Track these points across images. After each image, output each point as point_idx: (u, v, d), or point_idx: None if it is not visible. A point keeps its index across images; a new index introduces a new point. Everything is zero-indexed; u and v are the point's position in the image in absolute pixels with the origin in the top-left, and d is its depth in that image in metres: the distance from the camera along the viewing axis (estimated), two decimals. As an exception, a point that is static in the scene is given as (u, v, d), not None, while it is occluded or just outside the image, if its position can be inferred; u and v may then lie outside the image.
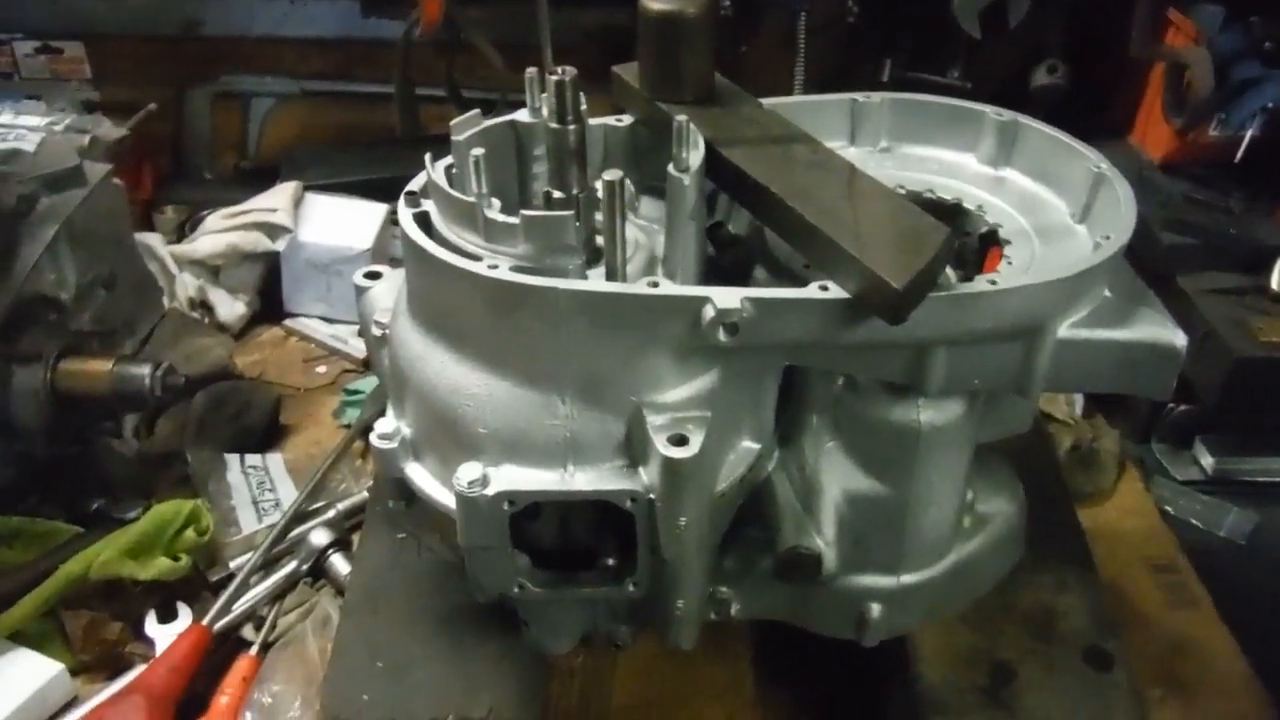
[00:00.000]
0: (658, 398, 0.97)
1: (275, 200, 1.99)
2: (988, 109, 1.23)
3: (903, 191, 1.20)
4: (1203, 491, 1.75)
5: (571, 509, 1.05)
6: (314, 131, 2.47)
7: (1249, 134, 1.78)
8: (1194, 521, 1.70)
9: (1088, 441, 1.71)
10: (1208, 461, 1.78)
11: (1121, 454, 1.76)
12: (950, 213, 1.18)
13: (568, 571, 1.09)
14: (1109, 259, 0.99)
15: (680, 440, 0.94)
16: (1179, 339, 0.99)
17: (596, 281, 0.96)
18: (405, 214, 1.03)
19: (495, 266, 0.94)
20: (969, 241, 1.21)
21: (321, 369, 1.94)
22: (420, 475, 1.08)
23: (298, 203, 2.03)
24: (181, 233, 2.18)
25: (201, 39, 2.39)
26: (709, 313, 0.91)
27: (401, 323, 1.08)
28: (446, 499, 1.04)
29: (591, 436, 0.98)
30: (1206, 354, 1.67)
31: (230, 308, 1.97)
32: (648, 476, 0.97)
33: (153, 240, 1.98)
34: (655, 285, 0.94)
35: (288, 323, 2.04)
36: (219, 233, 1.95)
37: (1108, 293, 1.03)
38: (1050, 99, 1.99)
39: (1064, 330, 0.99)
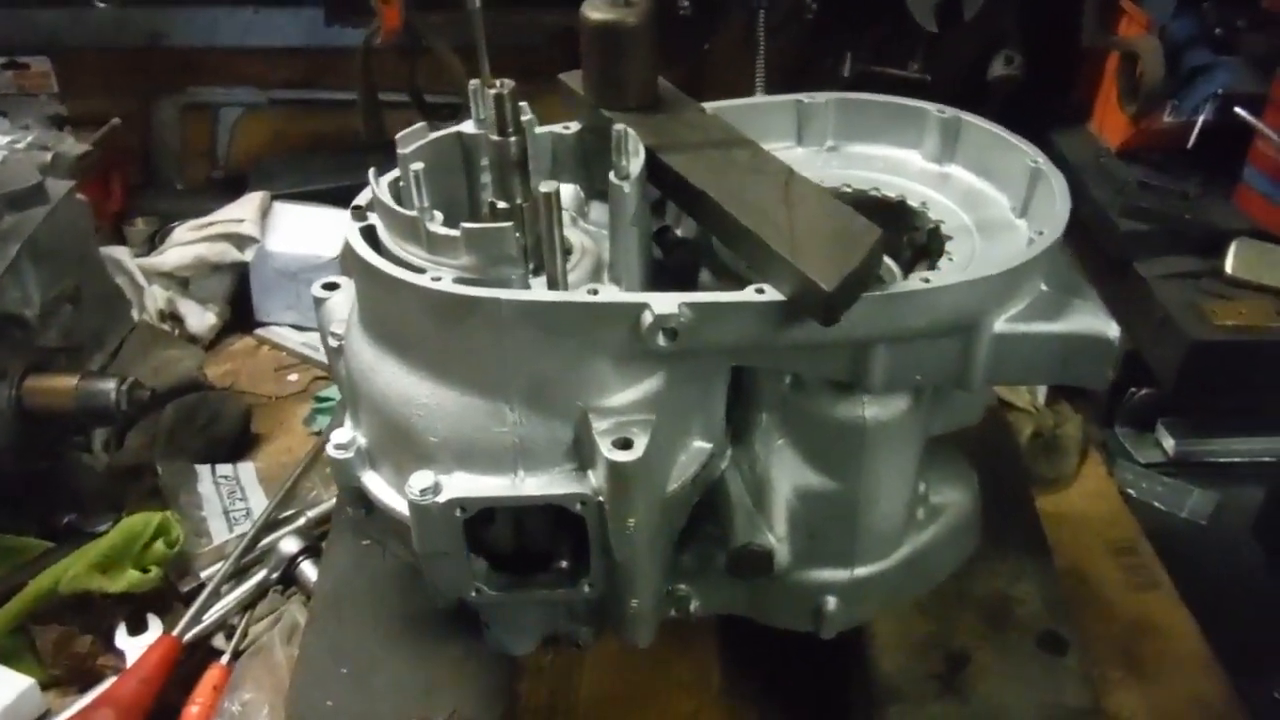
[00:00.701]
0: (603, 402, 0.99)
1: (242, 211, 2.00)
2: (931, 106, 1.25)
3: (848, 190, 1.22)
4: (1165, 474, 1.78)
5: (525, 513, 1.06)
6: (283, 140, 2.48)
7: (1201, 119, 1.80)
8: (1156, 504, 1.73)
9: (1050, 428, 1.74)
10: (1169, 444, 1.81)
11: (1084, 439, 1.78)
12: (894, 210, 1.20)
13: (524, 574, 1.11)
14: (1041, 254, 1.00)
15: (625, 444, 0.95)
16: (1111, 330, 1.01)
17: (537, 291, 0.97)
18: (351, 228, 1.05)
19: (439, 279, 0.96)
20: (915, 237, 1.23)
21: (293, 377, 1.95)
22: (376, 484, 1.10)
23: (265, 213, 2.04)
24: (152, 244, 2.19)
25: (167, 50, 2.40)
26: (648, 318, 0.93)
27: (354, 334, 1.09)
28: (402, 507, 1.06)
29: (539, 442, 1.00)
30: (1163, 338, 1.69)
31: (201, 318, 1.98)
32: (596, 480, 0.99)
33: (121, 253, 1.99)
34: (594, 293, 0.95)
35: (259, 331, 2.06)
36: (187, 244, 1.96)
37: (1044, 286, 1.05)
38: (1008, 89, 2.01)
39: (1000, 325, 1.01)
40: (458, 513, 1.00)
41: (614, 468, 0.95)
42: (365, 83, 2.04)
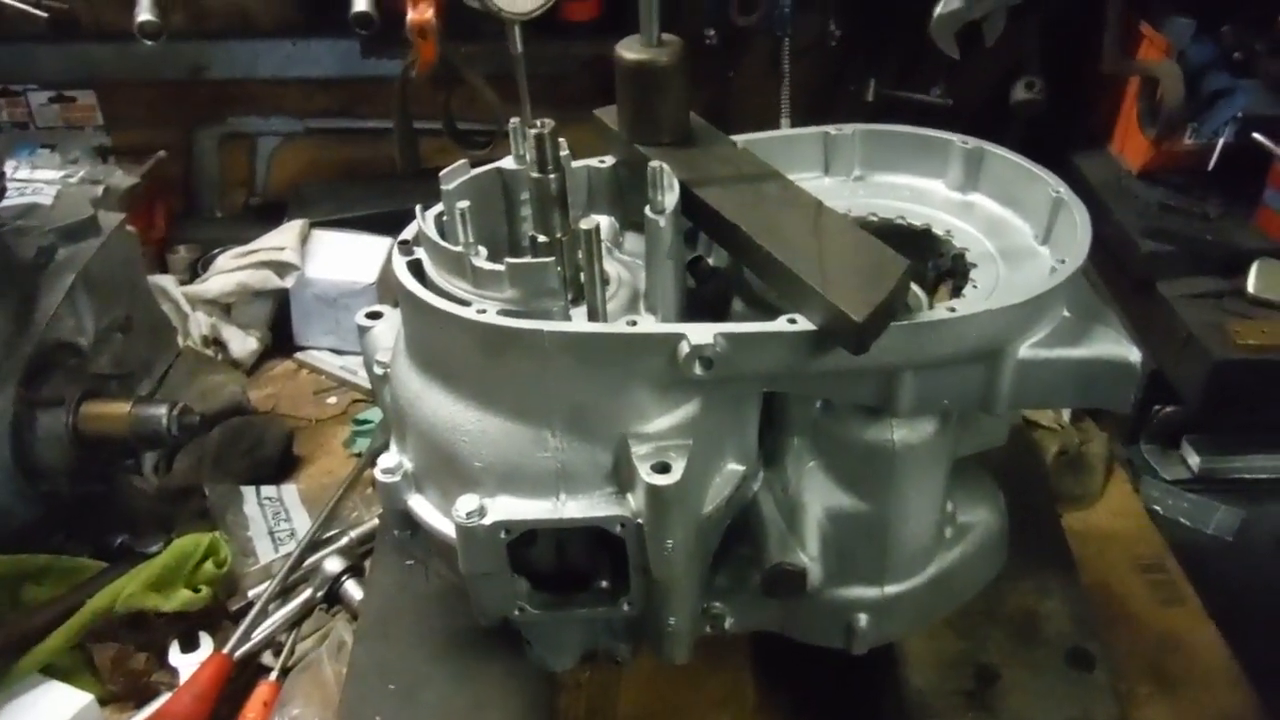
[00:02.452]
0: (642, 428, 1.03)
1: (282, 239, 2.06)
2: (954, 137, 1.29)
3: (875, 219, 1.26)
4: (1190, 490, 1.79)
5: (566, 534, 1.11)
6: (319, 168, 2.55)
7: (1221, 142, 1.82)
8: (1182, 520, 1.75)
9: (1075, 446, 1.76)
10: (1194, 461, 1.82)
11: (1110, 457, 1.80)
12: (920, 238, 1.24)
13: (565, 593, 1.15)
14: (1063, 283, 1.04)
15: (663, 468, 1.00)
16: (1133, 355, 1.04)
17: (578, 322, 1.02)
18: (399, 262, 1.10)
19: (484, 311, 1.00)
20: (941, 263, 1.26)
21: (332, 400, 2.01)
22: (422, 506, 1.14)
23: (304, 240, 2.10)
24: (194, 271, 2.25)
25: (208, 82, 2.47)
26: (684, 349, 0.97)
27: (400, 363, 1.14)
28: (447, 529, 1.10)
29: (581, 467, 1.04)
30: (1187, 358, 1.72)
31: (242, 344, 2.04)
32: (635, 502, 1.03)
33: (166, 282, 2.05)
34: (633, 324, 1.00)
35: (298, 356, 2.11)
36: (229, 272, 2.02)
37: (1066, 312, 1.08)
38: (1030, 113, 2.04)
39: (1024, 351, 1.04)
40: (502, 534, 1.05)
41: (653, 491, 0.99)
42: (402, 114, 2.10)
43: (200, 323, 2.01)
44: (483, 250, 1.05)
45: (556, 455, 1.04)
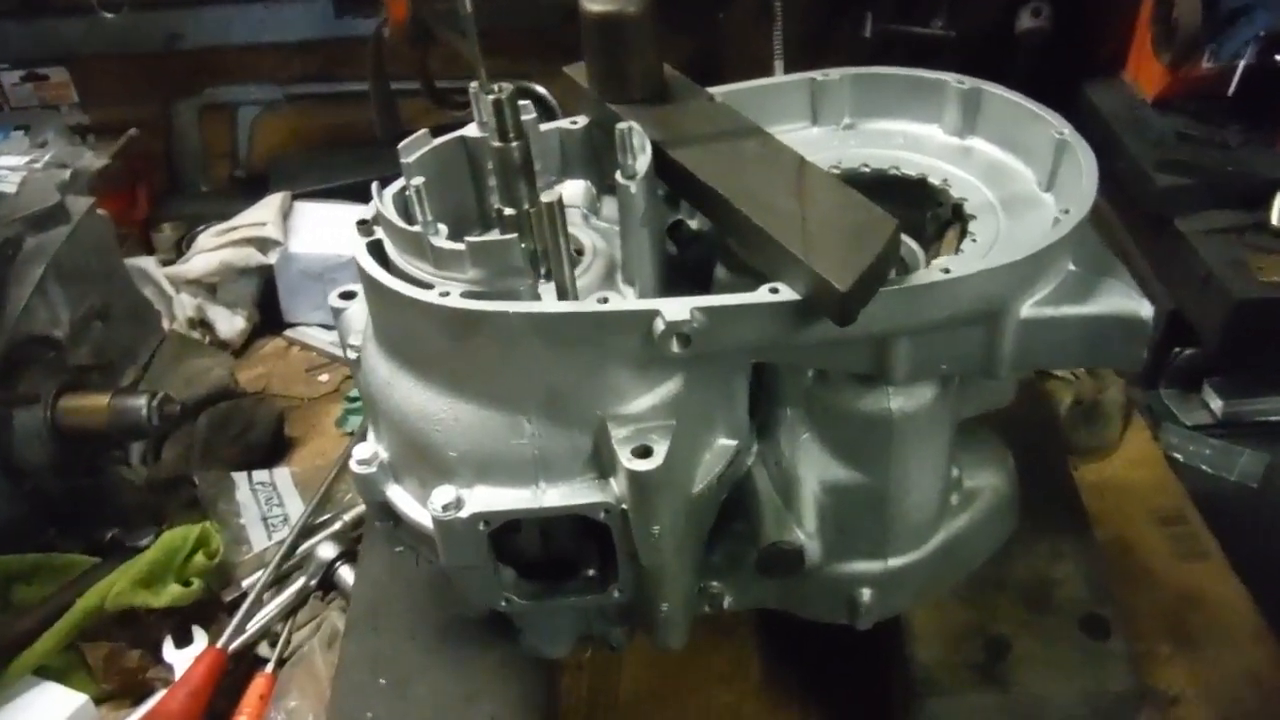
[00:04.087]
0: (621, 410, 0.97)
1: (263, 214, 2.00)
2: (949, 77, 1.20)
3: (867, 169, 1.19)
4: (1212, 436, 1.72)
5: (551, 522, 1.06)
6: (303, 135, 2.48)
7: (1242, 64, 1.72)
8: (1204, 467, 1.68)
9: (1090, 395, 1.69)
10: (1216, 405, 1.75)
11: (1127, 404, 1.73)
12: (916, 188, 1.17)
13: (554, 581, 1.10)
14: (1067, 235, 0.96)
15: (645, 452, 0.94)
16: (1144, 310, 0.97)
17: (546, 302, 0.96)
18: (358, 244, 1.04)
19: (446, 294, 0.94)
20: (940, 213, 1.19)
21: (324, 377, 1.96)
22: (401, 497, 1.09)
23: (286, 213, 2.04)
24: (179, 249, 2.20)
25: (183, 52, 2.40)
26: (659, 325, 0.91)
27: (369, 349, 1.09)
28: (428, 520, 1.05)
29: (559, 453, 0.99)
30: (1207, 297, 1.64)
31: (230, 324, 1.99)
32: (618, 488, 0.98)
33: (147, 264, 2.00)
34: (605, 301, 0.93)
35: (288, 333, 2.07)
36: (211, 251, 1.97)
37: (1072, 266, 1.01)
38: (1037, 42, 1.94)
39: (1026, 310, 0.98)
40: (481, 526, 1.00)
41: (635, 477, 0.93)
42: (377, 78, 2.03)
43: (185, 304, 1.96)
44: (443, 229, 0.99)
45: (533, 441, 0.98)
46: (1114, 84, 1.99)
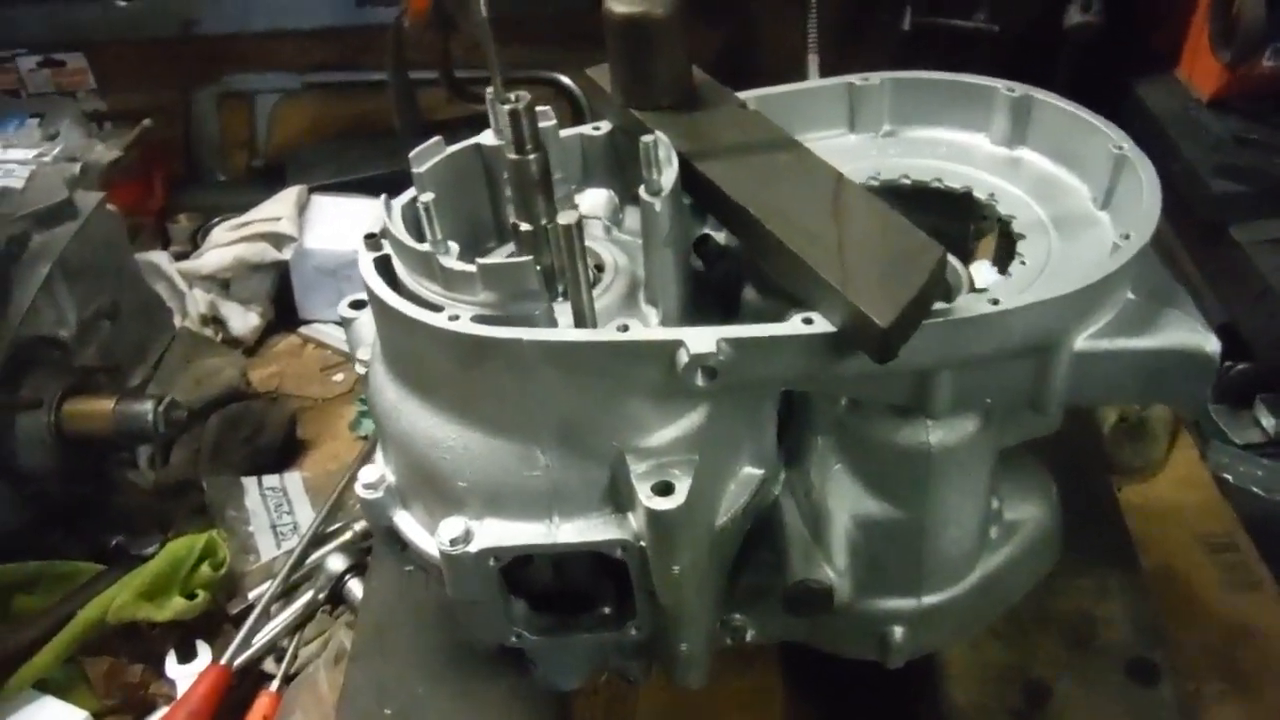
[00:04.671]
0: (640, 442, 0.91)
1: (279, 208, 1.95)
2: (998, 84, 1.12)
3: (908, 181, 1.12)
4: (1265, 456, 1.64)
5: (564, 556, 1.00)
6: (322, 124, 2.42)
7: (1306, 65, 1.63)
8: (1255, 489, 1.60)
9: (1135, 411, 1.61)
10: (1269, 422, 1.67)
11: (1174, 421, 1.65)
12: (959, 202, 1.10)
13: (567, 616, 1.05)
14: (1127, 263, 0.89)
15: (665, 489, 0.88)
16: (1210, 344, 0.89)
17: (562, 330, 0.89)
18: (365, 259, 0.98)
19: (456, 317, 0.88)
20: (984, 227, 1.12)
21: (338, 377, 1.91)
22: (409, 524, 1.04)
23: (302, 208, 1.99)
24: (195, 241, 2.15)
25: (200, 38, 2.34)
26: (683, 358, 0.84)
27: (376, 368, 1.03)
28: (435, 550, 1.00)
29: (574, 486, 0.93)
30: (1263, 310, 1.56)
31: (243, 320, 1.94)
32: (636, 524, 0.92)
33: (160, 259, 1.96)
34: (625, 329, 0.87)
35: (303, 330, 2.02)
36: (225, 246, 1.92)
37: (1131, 294, 0.93)
38: (1085, 38, 1.85)
39: (1081, 343, 0.90)
40: (491, 562, 0.94)
41: (654, 516, 0.87)
42: (396, 69, 1.96)
43: (198, 300, 1.91)
44: (454, 247, 0.92)
45: (547, 474, 0.92)
46: (1166, 82, 1.89)
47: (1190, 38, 1.85)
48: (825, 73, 1.86)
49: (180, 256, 2.06)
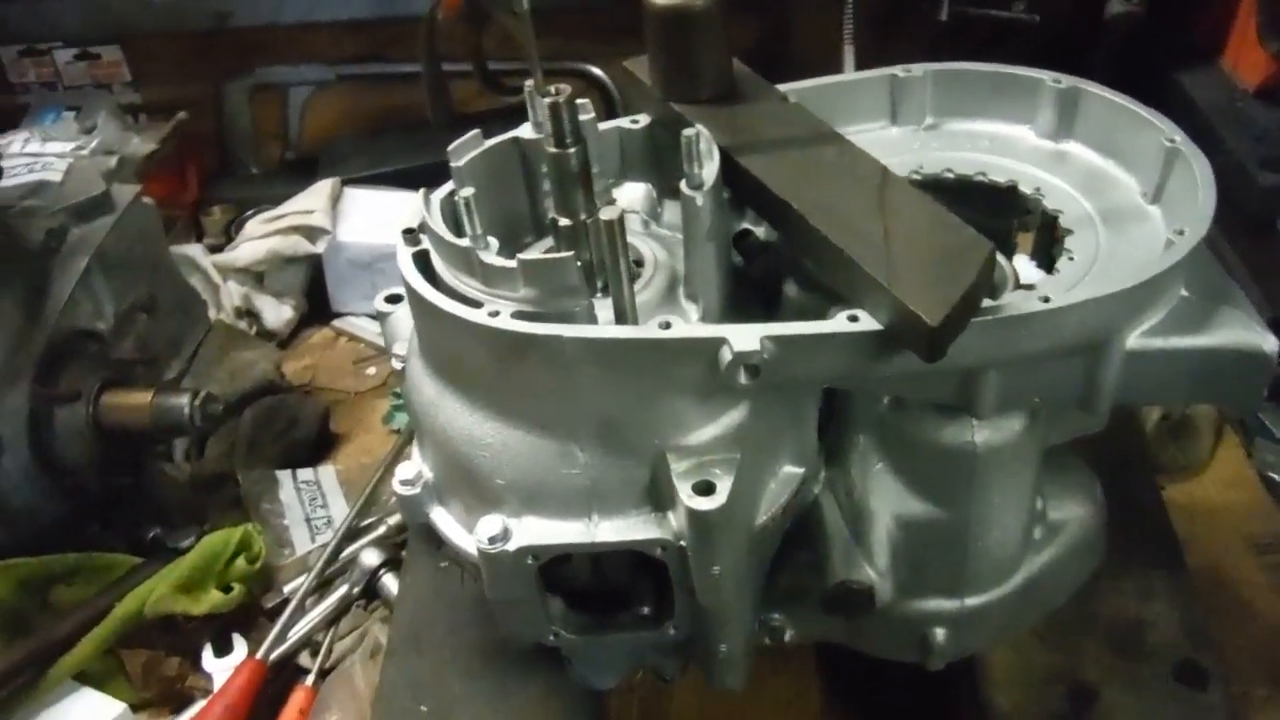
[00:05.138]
0: (681, 441, 0.90)
1: (312, 201, 1.95)
2: (1045, 75, 1.10)
3: (951, 175, 1.10)
4: (1311, 454, 1.60)
5: (603, 555, 0.99)
6: (354, 116, 2.42)
7: (1358, 54, 1.58)
8: (1302, 489, 1.56)
9: (1180, 409, 1.58)
10: (1316, 420, 1.63)
11: (1219, 419, 1.62)
12: (1005, 197, 1.08)
13: (605, 615, 1.04)
14: (1182, 260, 0.87)
15: (707, 488, 0.87)
16: (1269, 344, 0.87)
17: (603, 326, 0.88)
18: (403, 254, 0.97)
19: (496, 313, 0.87)
20: (1029, 221, 1.09)
21: (371, 370, 1.91)
22: (446, 522, 1.03)
23: (335, 200, 1.99)
24: (229, 234, 2.16)
25: (233, 31, 2.35)
26: (726, 355, 0.83)
27: (414, 364, 1.03)
28: (473, 548, 1.00)
29: (614, 485, 0.92)
30: (1312, 306, 1.52)
31: (277, 313, 1.95)
32: (676, 523, 0.91)
33: (195, 251, 1.97)
34: (667, 326, 0.86)
35: (336, 323, 2.02)
36: (258, 239, 1.92)
37: (1185, 292, 0.91)
38: (1128, 27, 1.81)
39: (1133, 340, 0.88)
40: (529, 560, 0.94)
41: (695, 516, 0.86)
42: (430, 61, 1.96)
43: (232, 293, 1.92)
44: (493, 243, 0.91)
45: (586, 472, 0.91)
46: (1211, 72, 1.85)
47: (1236, 27, 1.81)
48: (861, 64, 1.84)
49: (214, 249, 2.07)
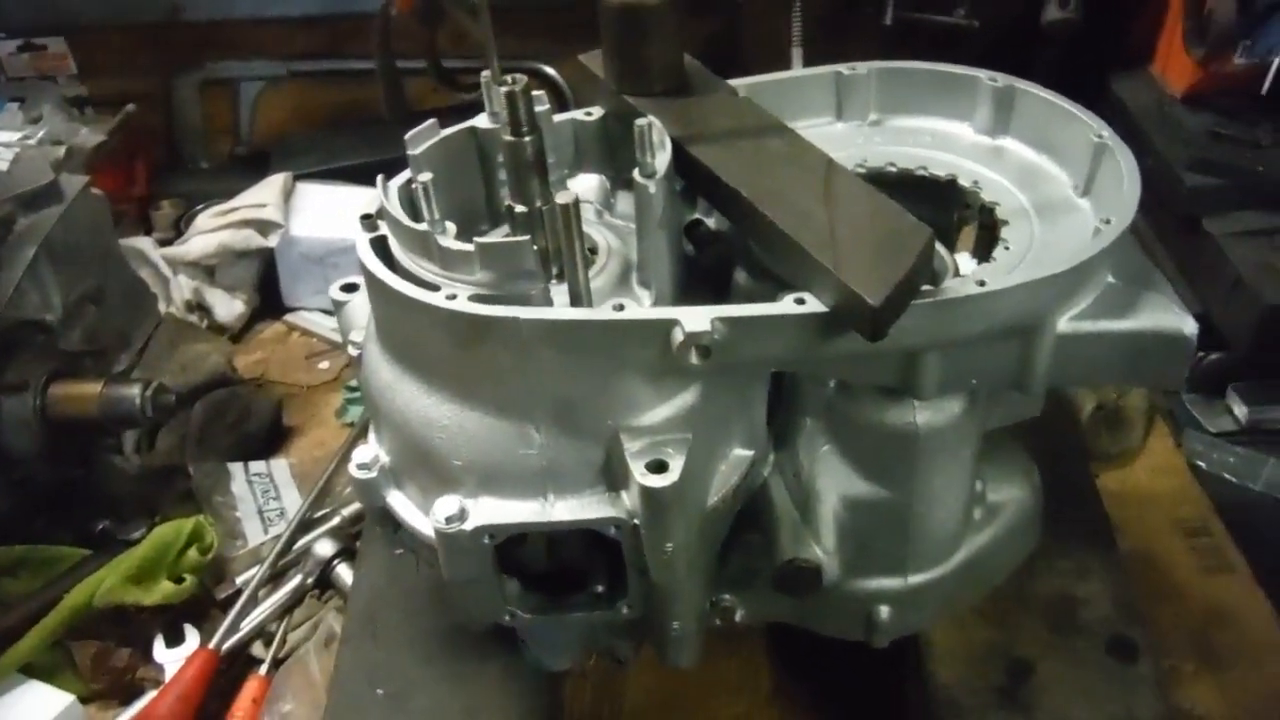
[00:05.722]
0: (635, 421, 0.92)
1: (264, 195, 1.94)
2: (982, 74, 1.15)
3: (894, 169, 1.14)
4: (1236, 443, 1.67)
5: (558, 534, 1.01)
6: (306, 112, 2.42)
7: (1276, 61, 1.66)
8: (1228, 476, 1.63)
9: (1113, 400, 1.64)
10: (1241, 411, 1.70)
11: (1150, 409, 1.68)
12: (945, 190, 1.12)
13: (560, 595, 1.06)
14: (1108, 247, 0.91)
15: (659, 467, 0.89)
16: (1187, 325, 0.92)
17: (558, 309, 0.90)
18: (361, 239, 0.98)
19: (453, 296, 0.89)
20: (968, 215, 1.14)
21: (324, 364, 1.91)
22: (403, 504, 1.05)
23: (288, 195, 1.98)
24: (178, 228, 2.14)
25: (184, 24, 2.33)
26: (678, 336, 0.86)
27: (371, 349, 1.04)
28: (430, 530, 1.01)
29: (569, 464, 0.94)
30: (1235, 301, 1.59)
31: (228, 307, 1.94)
32: (630, 502, 0.93)
33: (144, 244, 1.95)
34: (620, 308, 0.88)
35: (289, 317, 2.02)
36: (210, 232, 1.92)
37: (1111, 278, 0.96)
38: (1064, 34, 1.88)
39: (1064, 324, 0.93)
40: (486, 540, 0.95)
41: (648, 494, 0.89)
42: (384, 58, 1.97)
43: (183, 287, 1.91)
44: (450, 227, 0.93)
45: (542, 452, 0.94)
46: (1142, 78, 1.93)
47: (1165, 35, 1.89)
48: (809, 66, 1.88)
49: (163, 243, 2.05)
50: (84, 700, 1.34)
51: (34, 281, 1.49)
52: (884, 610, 1.11)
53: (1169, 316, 0.93)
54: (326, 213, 1.99)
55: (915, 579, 1.10)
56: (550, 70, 2.18)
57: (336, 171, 2.13)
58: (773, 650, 1.38)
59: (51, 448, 1.45)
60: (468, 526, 0.94)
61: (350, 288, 1.18)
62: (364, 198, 2.07)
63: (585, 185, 1.13)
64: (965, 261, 1.13)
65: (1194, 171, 1.69)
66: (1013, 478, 1.18)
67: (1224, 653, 1.34)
